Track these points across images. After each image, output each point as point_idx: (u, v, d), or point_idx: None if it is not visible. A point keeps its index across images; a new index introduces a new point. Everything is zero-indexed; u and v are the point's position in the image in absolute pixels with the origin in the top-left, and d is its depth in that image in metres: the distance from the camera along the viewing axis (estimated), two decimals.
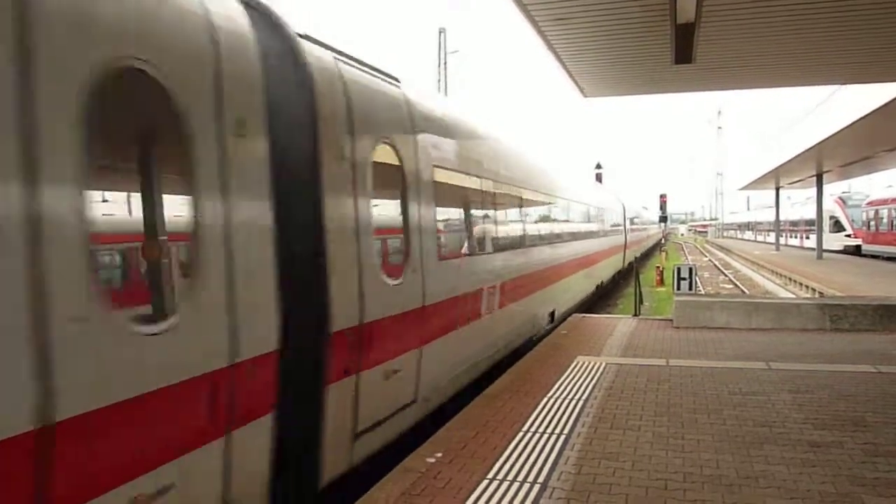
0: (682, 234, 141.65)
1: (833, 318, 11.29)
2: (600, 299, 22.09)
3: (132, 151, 3.25)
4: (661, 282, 27.80)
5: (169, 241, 3.27)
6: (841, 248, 38.19)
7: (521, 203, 10.11)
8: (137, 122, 3.28)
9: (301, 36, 4.44)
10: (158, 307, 3.21)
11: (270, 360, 3.76)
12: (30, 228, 2.41)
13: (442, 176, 6.60)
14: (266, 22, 4.26)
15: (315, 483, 4.42)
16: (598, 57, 9.02)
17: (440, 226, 6.53)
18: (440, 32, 35.89)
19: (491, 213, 8.45)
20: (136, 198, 3.19)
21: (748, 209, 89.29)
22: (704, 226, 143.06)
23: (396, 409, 5.48)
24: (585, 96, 11.37)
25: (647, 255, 47.57)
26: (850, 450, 5.29)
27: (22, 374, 2.38)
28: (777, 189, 44.03)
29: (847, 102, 17.13)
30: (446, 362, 6.63)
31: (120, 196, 3.17)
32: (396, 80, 5.82)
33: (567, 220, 14.43)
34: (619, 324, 12.27)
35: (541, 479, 4.76)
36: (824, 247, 33.76)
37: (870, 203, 35.47)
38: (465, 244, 7.61)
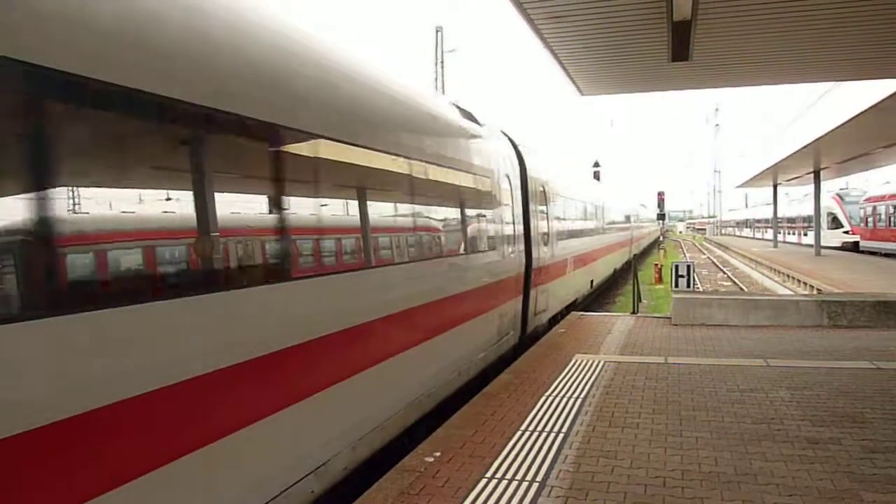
0: (681, 232, 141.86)
1: (831, 315, 11.30)
2: (598, 297, 22.07)
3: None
4: (660, 279, 27.83)
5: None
6: (839, 244, 38.21)
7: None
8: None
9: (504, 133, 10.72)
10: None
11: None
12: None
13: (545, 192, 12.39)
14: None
15: None
16: (594, 55, 9.01)
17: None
18: (437, 31, 35.85)
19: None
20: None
21: (746, 206, 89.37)
22: (702, 223, 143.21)
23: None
24: (583, 94, 11.37)
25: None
26: (848, 446, 5.29)
27: None
28: (775, 186, 44.06)
29: (844, 99, 17.13)
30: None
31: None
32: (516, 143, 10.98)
33: None
34: (617, 321, 12.28)
35: (539, 478, 4.76)
36: (822, 243, 33.78)
37: (868, 199, 35.47)
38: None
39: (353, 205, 5.31)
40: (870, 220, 34.58)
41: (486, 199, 8.52)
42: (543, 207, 11.88)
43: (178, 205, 3.42)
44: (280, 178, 4.22)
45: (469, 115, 8.55)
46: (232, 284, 3.72)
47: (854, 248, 36.49)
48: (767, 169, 32.84)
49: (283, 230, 4.21)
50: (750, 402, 6.59)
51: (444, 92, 32.88)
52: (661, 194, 36.41)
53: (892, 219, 31.66)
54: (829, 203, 39.27)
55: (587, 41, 8.35)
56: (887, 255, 31.24)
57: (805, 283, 21.06)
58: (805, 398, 6.71)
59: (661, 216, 39.05)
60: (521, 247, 10.15)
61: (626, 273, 27.64)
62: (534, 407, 6.57)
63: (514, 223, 9.85)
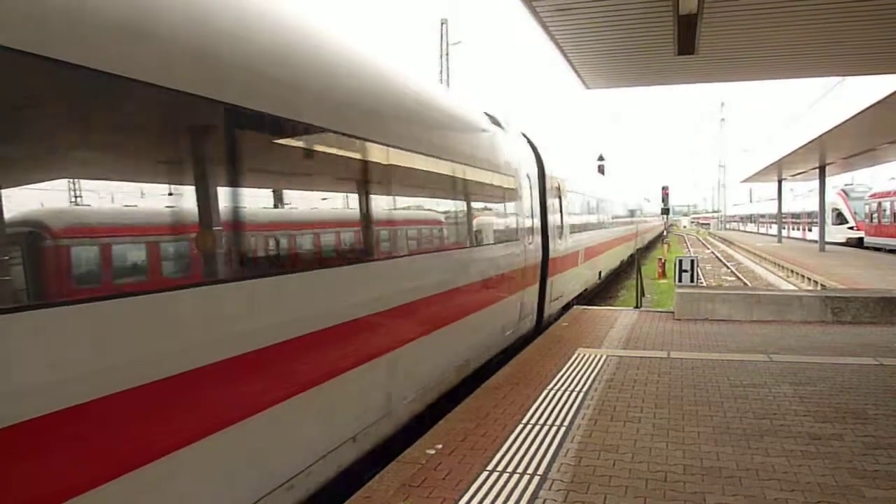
0: (685, 227, 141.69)
1: (835, 311, 11.28)
2: (602, 291, 22.06)
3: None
4: (663, 274, 27.76)
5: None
6: (843, 240, 38.10)
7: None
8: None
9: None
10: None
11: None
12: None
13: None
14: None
15: None
16: (600, 48, 8.96)
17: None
18: (442, 23, 35.75)
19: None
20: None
21: (751, 201, 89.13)
22: (707, 218, 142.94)
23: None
24: (588, 88, 11.32)
25: None
26: (850, 442, 5.29)
27: None
28: (779, 181, 43.89)
29: (850, 94, 17.04)
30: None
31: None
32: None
33: None
34: (620, 316, 12.27)
35: (540, 471, 4.77)
36: (827, 239, 33.69)
37: (873, 195, 35.33)
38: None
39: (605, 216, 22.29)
40: (875, 215, 34.45)
41: (637, 208, 34.20)
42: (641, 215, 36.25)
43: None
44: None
45: (634, 194, 36.62)
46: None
47: (858, 243, 36.38)
48: (772, 164, 32.72)
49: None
50: (752, 398, 6.58)
51: (448, 85, 32.77)
52: (665, 189, 36.20)
53: None
54: (833, 199, 39.14)
55: (592, 34, 8.31)
56: (892, 251, 31.13)
57: (809, 279, 21.01)
58: (808, 394, 6.71)
59: (666, 210, 38.84)
60: (636, 219, 32.91)
61: (629, 267, 28.34)
62: (536, 400, 6.57)
63: (635, 212, 33.41)
